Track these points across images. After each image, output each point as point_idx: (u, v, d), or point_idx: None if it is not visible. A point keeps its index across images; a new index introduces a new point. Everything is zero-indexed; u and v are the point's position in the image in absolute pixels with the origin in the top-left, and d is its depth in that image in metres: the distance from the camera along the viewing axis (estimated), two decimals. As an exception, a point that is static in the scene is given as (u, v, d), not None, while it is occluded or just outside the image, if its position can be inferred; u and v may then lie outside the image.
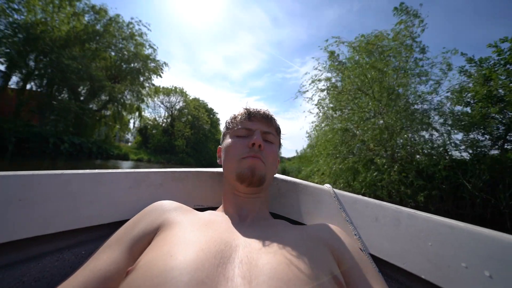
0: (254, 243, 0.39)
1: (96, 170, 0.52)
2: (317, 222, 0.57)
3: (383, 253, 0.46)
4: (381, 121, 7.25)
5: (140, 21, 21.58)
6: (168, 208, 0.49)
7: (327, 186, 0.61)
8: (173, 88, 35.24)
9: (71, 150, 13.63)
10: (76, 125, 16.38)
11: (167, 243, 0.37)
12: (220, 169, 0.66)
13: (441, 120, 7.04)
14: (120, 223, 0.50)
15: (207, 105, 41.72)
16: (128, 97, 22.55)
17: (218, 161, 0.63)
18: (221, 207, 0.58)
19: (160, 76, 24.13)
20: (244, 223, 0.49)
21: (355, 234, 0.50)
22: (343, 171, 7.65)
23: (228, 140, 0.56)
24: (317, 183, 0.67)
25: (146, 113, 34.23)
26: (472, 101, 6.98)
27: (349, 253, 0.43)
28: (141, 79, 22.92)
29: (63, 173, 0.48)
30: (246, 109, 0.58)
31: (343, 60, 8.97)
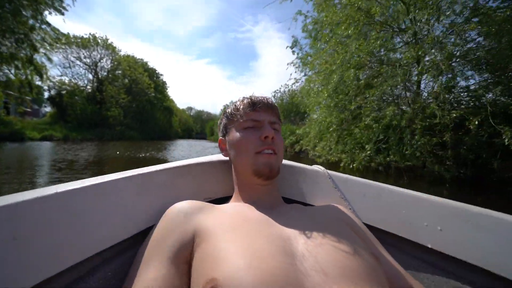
0: (300, 234, 0.40)
1: (92, 178, 0.45)
2: (318, 202, 0.64)
3: (371, 221, 0.58)
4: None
5: None
6: (190, 210, 0.46)
7: (320, 168, 0.69)
8: (91, 37, 25.82)
9: None
10: None
11: (236, 253, 0.35)
12: (221, 157, 0.68)
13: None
14: (137, 235, 0.48)
15: (146, 64, 33.33)
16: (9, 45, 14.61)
17: (223, 153, 0.64)
18: (236, 198, 0.58)
19: (60, 11, 16.15)
20: (273, 211, 0.49)
21: (350, 209, 0.60)
22: (362, 134, 4.68)
23: (235, 134, 0.56)
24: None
25: (55, 73, 24.98)
26: None
27: (360, 228, 0.50)
28: (25, 14, 14.82)
29: (56, 192, 0.39)
30: (249, 98, 0.57)
31: None
